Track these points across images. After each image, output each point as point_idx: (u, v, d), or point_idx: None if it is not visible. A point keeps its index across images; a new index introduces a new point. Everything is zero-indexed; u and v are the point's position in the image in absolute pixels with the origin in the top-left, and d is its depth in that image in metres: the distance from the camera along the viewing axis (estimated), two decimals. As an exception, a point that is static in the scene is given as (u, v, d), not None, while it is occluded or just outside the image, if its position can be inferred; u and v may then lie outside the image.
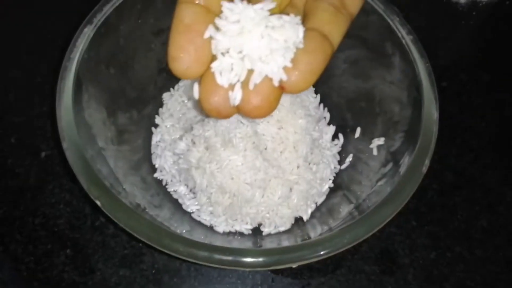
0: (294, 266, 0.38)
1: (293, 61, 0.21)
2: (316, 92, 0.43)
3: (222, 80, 0.21)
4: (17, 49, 0.49)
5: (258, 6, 0.21)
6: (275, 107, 0.21)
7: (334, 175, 0.40)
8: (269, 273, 0.38)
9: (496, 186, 0.43)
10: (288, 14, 0.21)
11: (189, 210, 0.38)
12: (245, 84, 0.21)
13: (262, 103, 0.21)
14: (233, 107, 0.21)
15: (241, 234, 0.37)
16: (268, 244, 0.36)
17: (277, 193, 0.36)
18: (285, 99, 0.37)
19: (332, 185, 0.39)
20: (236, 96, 0.21)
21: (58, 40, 0.48)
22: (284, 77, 0.20)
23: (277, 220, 0.37)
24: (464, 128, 0.46)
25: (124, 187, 0.32)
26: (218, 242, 0.36)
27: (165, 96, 0.43)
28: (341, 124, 0.41)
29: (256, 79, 0.20)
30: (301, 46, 0.21)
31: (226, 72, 0.21)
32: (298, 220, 0.38)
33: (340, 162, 0.40)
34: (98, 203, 0.28)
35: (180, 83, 0.43)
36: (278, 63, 0.20)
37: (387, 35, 0.35)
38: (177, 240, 0.27)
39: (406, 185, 0.29)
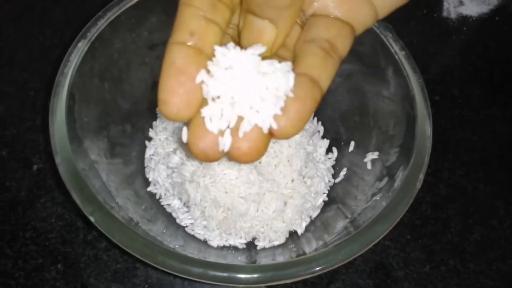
0: (288, 281, 0.37)
1: (283, 109, 0.20)
2: (310, 106, 0.43)
3: (212, 126, 0.20)
4: (9, 63, 0.49)
5: (250, 51, 0.21)
6: (263, 153, 0.21)
7: (329, 188, 0.40)
8: (263, 288, 0.38)
9: (488, 200, 0.43)
10: (279, 56, 0.21)
11: (182, 224, 0.38)
12: (234, 130, 0.21)
13: (251, 150, 0.21)
14: (221, 152, 0.21)
15: (235, 248, 0.37)
16: (263, 259, 0.36)
17: (271, 207, 0.36)
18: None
19: (326, 199, 0.39)
20: (225, 143, 0.21)
21: (50, 55, 0.49)
22: (274, 125, 0.20)
23: (271, 234, 0.37)
24: (456, 142, 0.46)
25: (117, 201, 0.32)
26: (212, 256, 0.36)
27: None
28: (335, 137, 0.42)
29: (245, 127, 0.20)
30: (291, 94, 0.21)
31: (216, 118, 0.20)
32: (293, 234, 0.38)
33: (334, 176, 0.40)
34: (92, 219, 0.28)
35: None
36: (269, 112, 0.20)
37: (380, 51, 0.35)
38: (171, 257, 0.26)
39: (401, 201, 0.29)
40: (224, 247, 0.37)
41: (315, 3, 0.23)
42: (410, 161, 0.30)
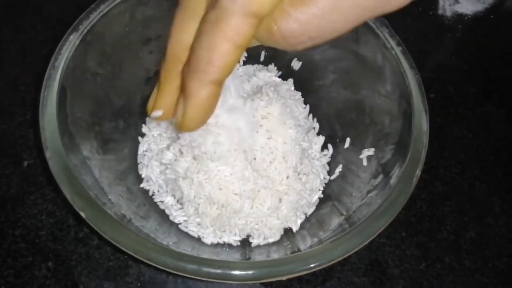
0: (283, 278, 0.37)
1: None
2: (305, 103, 0.43)
3: None
4: (0, 58, 0.48)
5: None
6: None
7: (324, 185, 0.39)
8: (258, 285, 0.37)
9: (484, 197, 0.43)
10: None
11: (176, 221, 0.37)
12: None
13: None
14: None
15: (229, 245, 0.37)
16: (257, 256, 0.35)
17: (266, 203, 0.36)
18: (275, 109, 0.36)
19: (321, 196, 0.39)
20: None
21: (42, 49, 0.48)
22: None
23: (266, 231, 0.36)
24: (451, 139, 0.46)
25: (109, 197, 0.32)
26: (206, 254, 0.35)
27: (153, 105, 0.42)
28: (331, 134, 0.41)
29: None
30: None
31: None
32: (288, 231, 0.37)
33: (330, 173, 0.40)
34: (83, 214, 0.27)
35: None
36: None
37: (377, 47, 0.35)
38: (164, 253, 0.26)
39: (397, 197, 0.28)
40: (218, 244, 0.37)
41: None
42: (407, 157, 0.30)
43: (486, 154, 0.46)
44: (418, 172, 0.29)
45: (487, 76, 0.51)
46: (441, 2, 0.55)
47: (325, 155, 0.41)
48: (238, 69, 0.44)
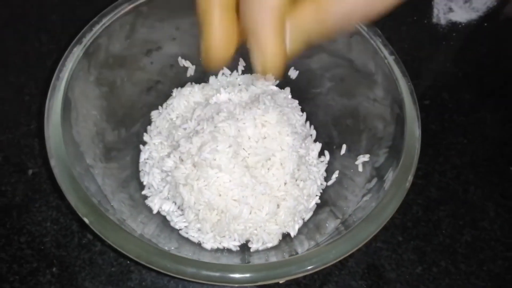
0: (281, 281, 0.38)
1: None
2: (302, 110, 0.44)
3: None
4: (5, 68, 0.49)
5: None
6: None
7: (321, 191, 0.40)
8: (258, 290, 0.38)
9: (479, 202, 0.44)
10: None
11: (177, 227, 0.38)
12: None
13: None
14: None
15: (229, 250, 0.37)
16: (256, 260, 0.36)
17: (264, 209, 0.36)
18: (272, 117, 0.37)
19: (319, 201, 0.40)
20: None
21: (46, 59, 0.49)
22: None
23: (264, 237, 0.37)
24: (446, 145, 0.47)
25: (112, 204, 0.32)
26: (206, 258, 0.36)
27: (154, 114, 0.43)
28: (327, 141, 0.42)
29: None
30: None
31: None
32: (286, 236, 0.38)
33: (327, 179, 0.41)
34: (86, 220, 0.28)
35: (169, 101, 0.44)
36: None
37: (371, 55, 0.36)
38: (165, 257, 0.27)
39: (390, 201, 0.29)
40: (218, 249, 0.37)
41: None
42: (400, 162, 0.31)
43: (480, 159, 0.46)
44: (410, 177, 0.30)
45: (481, 83, 0.52)
46: (435, 11, 0.56)
47: (322, 161, 0.42)
48: (237, 78, 0.45)
